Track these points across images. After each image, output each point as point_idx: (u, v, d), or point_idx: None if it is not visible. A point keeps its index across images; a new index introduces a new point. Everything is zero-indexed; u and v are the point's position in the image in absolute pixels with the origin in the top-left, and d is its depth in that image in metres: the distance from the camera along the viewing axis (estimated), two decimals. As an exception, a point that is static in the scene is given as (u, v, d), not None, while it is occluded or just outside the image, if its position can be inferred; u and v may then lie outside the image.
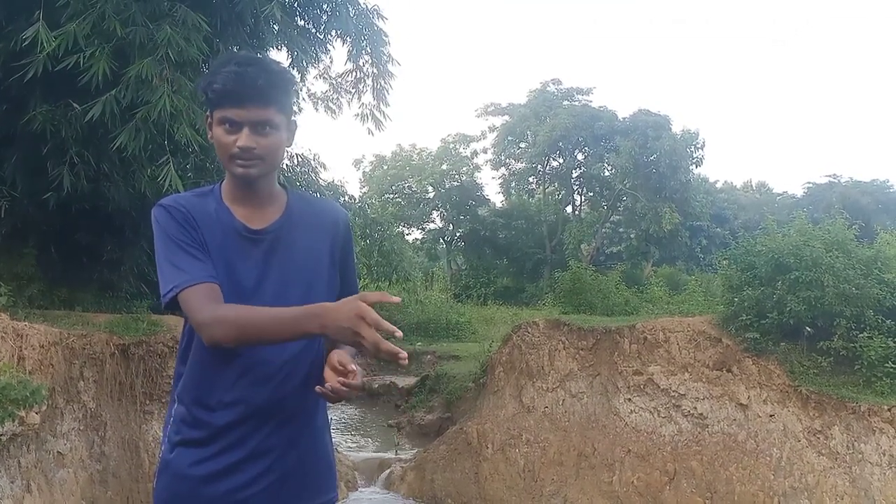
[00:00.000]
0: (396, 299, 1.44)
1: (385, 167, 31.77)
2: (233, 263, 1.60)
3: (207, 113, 1.64)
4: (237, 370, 1.59)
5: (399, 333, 1.37)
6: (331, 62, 10.29)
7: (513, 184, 30.87)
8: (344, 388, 1.50)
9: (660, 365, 8.20)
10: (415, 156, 31.61)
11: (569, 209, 29.87)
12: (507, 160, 30.07)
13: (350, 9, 8.42)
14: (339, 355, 1.56)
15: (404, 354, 1.37)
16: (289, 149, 1.84)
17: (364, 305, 1.36)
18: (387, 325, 1.35)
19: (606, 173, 27.93)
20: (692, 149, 25.10)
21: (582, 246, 26.74)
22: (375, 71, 8.98)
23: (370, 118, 9.29)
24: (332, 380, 1.52)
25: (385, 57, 8.89)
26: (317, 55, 9.13)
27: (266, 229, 1.64)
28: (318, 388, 1.51)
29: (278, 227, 1.65)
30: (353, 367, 1.53)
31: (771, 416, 7.33)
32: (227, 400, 1.59)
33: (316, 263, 1.67)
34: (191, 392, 1.63)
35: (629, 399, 8.40)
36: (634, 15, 70.16)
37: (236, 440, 1.59)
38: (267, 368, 1.60)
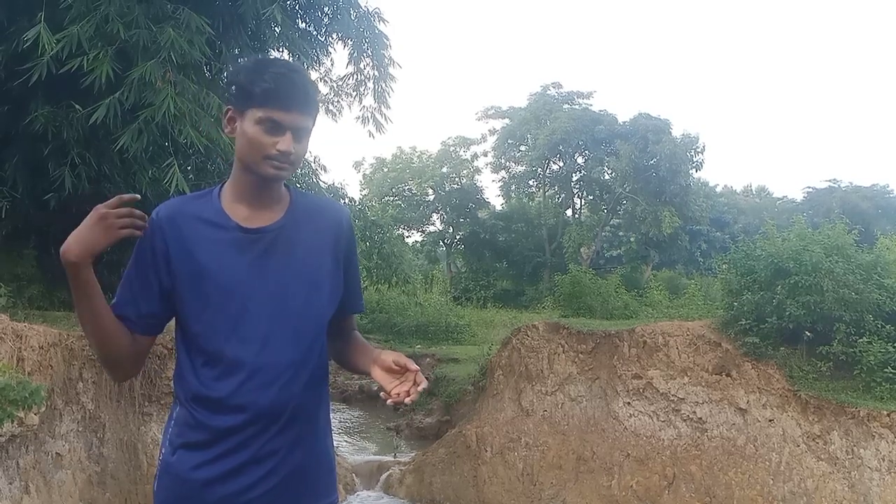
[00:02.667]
0: (134, 196, 1.53)
1: (385, 170, 31.81)
2: (224, 264, 1.59)
3: (229, 107, 1.62)
4: (241, 374, 1.58)
5: (137, 196, 1.51)
6: (332, 65, 10.34)
7: (513, 187, 30.90)
8: (417, 392, 1.54)
9: (659, 369, 8.20)
10: (415, 158, 31.67)
11: (569, 212, 29.91)
12: (508, 163, 30.11)
13: (351, 12, 8.44)
14: (393, 356, 1.59)
15: (137, 197, 1.52)
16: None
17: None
18: (125, 196, 1.50)
19: (606, 177, 27.95)
20: (692, 153, 25.13)
21: (581, 249, 26.74)
22: (376, 74, 8.99)
23: (371, 121, 9.30)
24: (385, 381, 1.57)
25: (386, 60, 8.90)
26: (318, 58, 9.14)
27: (266, 228, 1.63)
28: (390, 399, 1.55)
29: (280, 226, 1.64)
30: (413, 364, 1.57)
31: (770, 420, 7.33)
32: (231, 403, 1.58)
33: (319, 262, 1.67)
34: (193, 395, 1.63)
35: (628, 403, 8.40)
36: (635, 19, 70.27)
37: (239, 443, 1.58)
38: (271, 372, 1.59)
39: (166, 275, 1.61)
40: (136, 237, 1.56)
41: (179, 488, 1.61)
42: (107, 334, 1.59)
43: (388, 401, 1.54)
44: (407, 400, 1.56)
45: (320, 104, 1.73)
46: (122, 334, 1.61)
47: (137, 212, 1.51)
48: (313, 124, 1.63)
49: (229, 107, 1.63)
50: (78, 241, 1.48)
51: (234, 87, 1.62)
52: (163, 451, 1.67)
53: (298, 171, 10.68)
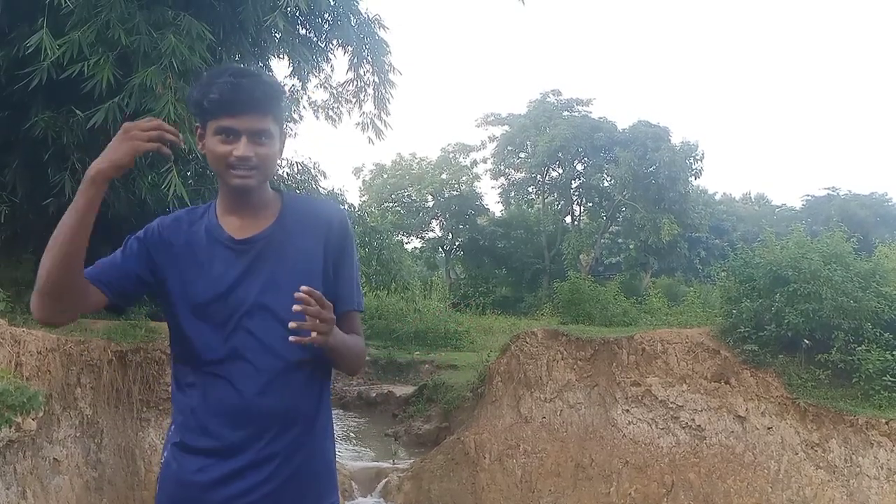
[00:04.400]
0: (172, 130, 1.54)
1: (385, 176, 31.87)
2: (217, 274, 1.62)
3: (198, 124, 1.66)
4: (236, 380, 1.60)
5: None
6: (332, 71, 10.37)
7: (512, 193, 30.95)
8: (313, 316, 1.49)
9: (658, 376, 8.20)
10: (414, 165, 31.72)
11: (568, 219, 29.93)
12: (507, 170, 30.16)
13: (352, 18, 8.47)
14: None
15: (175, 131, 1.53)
16: (281, 158, 1.86)
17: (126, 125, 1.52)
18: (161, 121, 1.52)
19: (606, 184, 28.00)
20: (691, 160, 25.19)
21: (581, 256, 26.75)
22: (376, 80, 9.02)
23: (371, 127, 9.33)
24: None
25: (386, 66, 8.93)
26: (318, 64, 9.18)
27: (255, 237, 1.65)
28: (293, 325, 1.50)
29: (270, 233, 1.66)
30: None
31: (769, 428, 7.32)
32: (227, 408, 1.60)
33: (310, 265, 1.67)
34: (189, 400, 1.64)
35: (627, 410, 8.39)
36: (635, 27, 70.58)
37: (238, 448, 1.60)
38: (264, 378, 1.61)
39: (148, 268, 1.64)
40: (165, 154, 1.58)
41: (180, 491, 1.63)
42: (70, 261, 1.51)
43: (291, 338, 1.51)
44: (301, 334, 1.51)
45: (283, 102, 1.73)
46: (80, 271, 1.55)
47: (168, 126, 1.50)
48: (277, 124, 1.63)
49: (197, 125, 1.66)
50: (104, 157, 1.50)
51: (192, 107, 1.66)
52: (164, 455, 1.68)
53: (298, 176, 10.70)
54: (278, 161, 1.75)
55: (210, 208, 1.70)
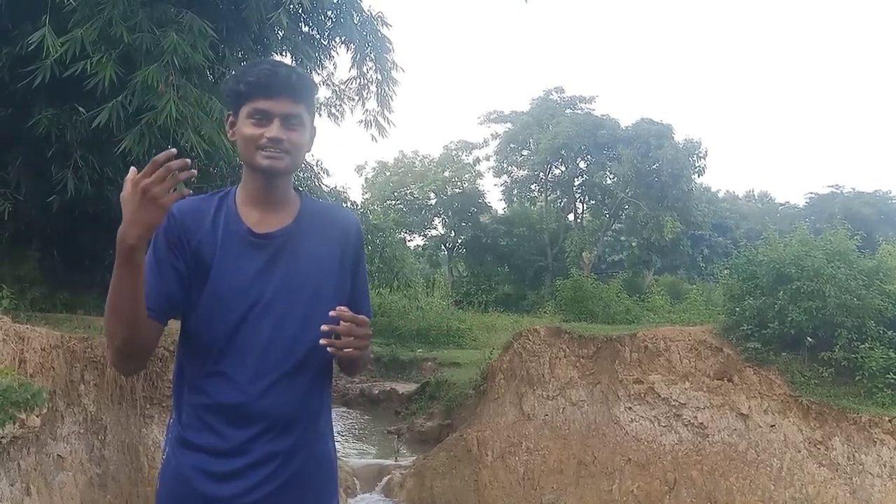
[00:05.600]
0: (169, 152, 1.43)
1: (387, 173, 31.90)
2: (232, 267, 1.60)
3: (229, 112, 1.66)
4: (240, 378, 1.60)
5: (174, 150, 1.42)
6: (334, 68, 10.36)
7: (515, 191, 30.93)
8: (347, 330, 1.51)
9: (660, 374, 8.19)
10: (417, 162, 31.75)
11: (570, 217, 29.92)
12: (510, 167, 30.16)
13: (354, 15, 8.47)
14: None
15: (173, 152, 1.41)
16: (308, 154, 1.85)
17: (128, 177, 1.41)
18: (160, 156, 1.39)
19: (608, 182, 27.98)
20: (694, 158, 25.16)
21: (583, 254, 26.75)
22: (379, 77, 9.01)
23: (374, 124, 9.32)
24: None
25: (389, 63, 8.93)
26: (321, 61, 9.17)
27: (274, 233, 1.64)
28: (324, 342, 1.52)
29: (288, 232, 1.65)
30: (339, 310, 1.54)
31: (772, 426, 7.31)
32: (230, 406, 1.60)
33: (325, 269, 1.68)
34: (193, 396, 1.64)
35: (630, 408, 8.39)
36: (638, 24, 70.39)
37: (240, 446, 1.60)
38: (270, 377, 1.60)
39: (190, 257, 1.61)
40: (187, 195, 1.52)
41: (181, 488, 1.62)
42: (140, 321, 1.53)
43: (324, 343, 1.53)
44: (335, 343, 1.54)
45: (317, 100, 1.74)
46: (149, 321, 1.56)
47: (175, 163, 1.39)
48: (309, 115, 1.65)
49: (229, 112, 1.67)
50: (135, 224, 1.40)
51: (227, 94, 1.67)
52: (165, 451, 1.68)
53: (301, 174, 10.70)
54: (306, 155, 1.74)
55: (229, 195, 1.67)
